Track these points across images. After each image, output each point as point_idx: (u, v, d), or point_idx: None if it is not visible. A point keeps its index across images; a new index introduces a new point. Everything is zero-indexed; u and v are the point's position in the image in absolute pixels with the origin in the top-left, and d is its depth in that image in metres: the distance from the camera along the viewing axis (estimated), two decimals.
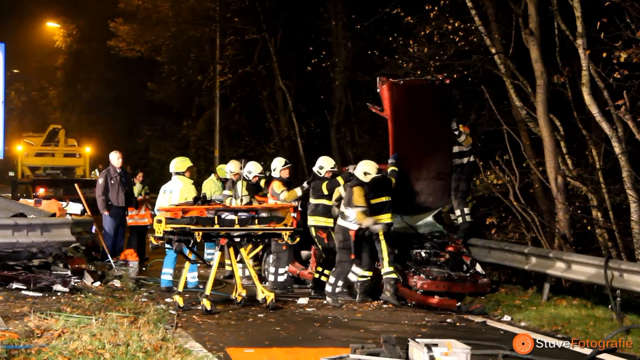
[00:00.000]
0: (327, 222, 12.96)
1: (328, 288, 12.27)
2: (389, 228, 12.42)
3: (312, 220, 13.04)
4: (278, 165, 13.55)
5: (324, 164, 13.26)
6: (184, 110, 38.25)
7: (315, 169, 13.32)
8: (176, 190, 13.02)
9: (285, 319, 10.74)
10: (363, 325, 10.51)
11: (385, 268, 12.24)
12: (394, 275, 12.22)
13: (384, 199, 12.48)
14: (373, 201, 12.42)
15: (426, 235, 13.36)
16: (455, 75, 18.76)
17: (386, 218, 12.44)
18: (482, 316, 11.58)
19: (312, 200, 13.14)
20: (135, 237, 16.52)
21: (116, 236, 15.33)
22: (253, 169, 13.96)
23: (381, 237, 12.30)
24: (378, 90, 13.43)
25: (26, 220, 12.38)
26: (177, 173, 13.25)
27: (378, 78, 13.49)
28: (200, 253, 12.94)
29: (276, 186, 13.27)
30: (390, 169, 12.86)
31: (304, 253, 14.05)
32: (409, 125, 13.34)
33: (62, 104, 50.53)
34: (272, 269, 13.23)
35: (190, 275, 12.91)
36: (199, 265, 13.48)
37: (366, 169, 12.31)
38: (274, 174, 13.54)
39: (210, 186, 16.30)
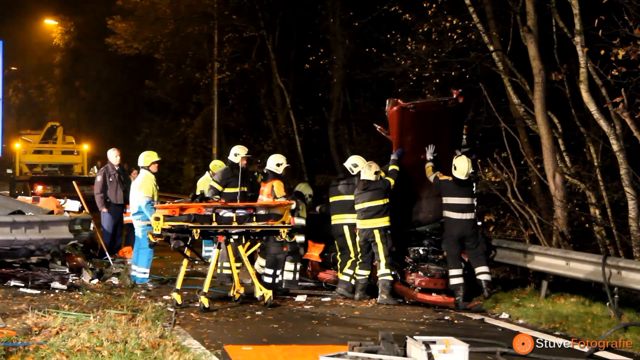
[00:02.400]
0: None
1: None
2: (385, 231, 12.38)
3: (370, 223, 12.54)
4: (283, 162, 13.13)
5: (358, 162, 13.07)
6: (182, 107, 38.26)
7: (347, 165, 13.19)
8: (135, 185, 13.13)
9: (283, 316, 10.75)
10: (361, 322, 10.52)
11: (382, 269, 12.27)
12: (389, 278, 12.26)
13: (380, 201, 12.43)
14: (371, 203, 12.44)
15: (424, 233, 13.36)
16: (453, 73, 18.83)
17: (384, 221, 12.40)
18: (480, 314, 11.60)
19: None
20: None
21: (114, 233, 15.33)
22: (282, 160, 13.24)
23: (378, 240, 12.32)
24: (386, 113, 13.03)
25: (24, 217, 12.37)
26: (143, 167, 13.26)
27: (388, 100, 13.05)
28: (198, 250, 12.95)
29: (278, 188, 12.73)
30: (390, 167, 12.70)
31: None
32: (414, 149, 13.01)
33: (60, 102, 50.51)
34: (269, 271, 12.87)
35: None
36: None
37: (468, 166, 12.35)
38: (277, 171, 13.04)
39: (205, 184, 16.25)
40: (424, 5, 19.17)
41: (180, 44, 32.32)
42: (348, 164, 13.18)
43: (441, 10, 19.00)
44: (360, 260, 12.61)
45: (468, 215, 12.33)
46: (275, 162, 13.10)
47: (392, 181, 12.54)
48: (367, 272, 12.56)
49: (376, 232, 12.36)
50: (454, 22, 18.58)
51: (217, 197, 13.01)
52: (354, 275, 12.68)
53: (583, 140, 15.82)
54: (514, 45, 16.35)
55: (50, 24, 46.06)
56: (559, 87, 15.61)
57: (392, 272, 12.35)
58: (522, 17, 15.50)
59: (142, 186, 12.92)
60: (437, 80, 20.01)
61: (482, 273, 12.25)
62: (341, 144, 28.55)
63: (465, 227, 12.29)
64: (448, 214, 12.42)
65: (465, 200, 12.35)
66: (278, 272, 12.83)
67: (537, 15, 15.03)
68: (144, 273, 13.08)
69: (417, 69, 19.72)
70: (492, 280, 12.43)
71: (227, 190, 13.35)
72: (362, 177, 12.67)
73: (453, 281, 12.13)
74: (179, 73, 34.25)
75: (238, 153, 13.68)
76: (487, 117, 17.19)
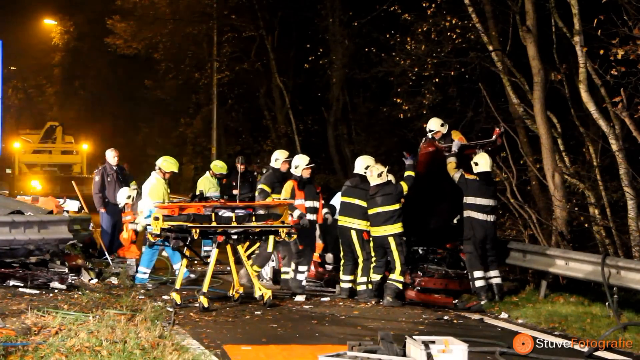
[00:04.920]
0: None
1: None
2: (401, 238, 12.19)
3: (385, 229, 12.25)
4: (301, 163, 12.72)
5: (370, 163, 12.72)
6: (181, 107, 38.28)
7: (360, 170, 12.74)
8: (145, 190, 13.13)
9: (282, 316, 10.74)
10: (360, 322, 10.52)
11: (395, 275, 12.08)
12: (399, 285, 12.11)
13: (391, 207, 12.22)
14: (381, 209, 12.24)
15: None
16: (452, 73, 18.82)
17: (396, 228, 12.21)
18: (479, 313, 11.60)
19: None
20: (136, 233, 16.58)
21: (113, 233, 15.31)
22: (301, 162, 12.81)
23: (393, 248, 12.11)
24: (419, 148, 13.04)
25: (23, 217, 12.36)
26: (159, 169, 13.27)
27: (425, 138, 13.10)
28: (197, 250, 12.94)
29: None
30: (406, 173, 12.46)
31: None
32: (433, 182, 12.92)
33: (59, 101, 50.46)
34: (292, 266, 12.59)
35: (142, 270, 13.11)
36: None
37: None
38: (295, 172, 12.73)
39: (205, 183, 16.29)
40: (423, 5, 19.20)
41: (180, 43, 32.33)
42: (360, 169, 12.76)
43: (440, 10, 19.01)
44: (375, 265, 12.37)
45: (491, 218, 12.25)
46: (293, 165, 12.86)
47: (405, 187, 12.31)
48: (380, 276, 12.33)
49: (391, 239, 12.13)
50: (453, 21, 18.58)
51: (217, 196, 12.91)
52: (369, 279, 12.44)
53: (582, 140, 15.82)
54: (513, 45, 16.34)
55: (50, 24, 46.03)
56: (558, 86, 15.60)
57: (403, 281, 12.18)
58: (521, 16, 15.50)
59: (152, 192, 12.93)
60: (437, 80, 20.01)
61: (494, 277, 12.25)
62: (340, 144, 28.57)
63: (489, 229, 12.21)
64: (472, 214, 12.22)
65: (491, 202, 12.26)
66: (301, 267, 12.50)
67: (536, 15, 15.02)
68: (144, 273, 13.09)
69: (416, 69, 19.72)
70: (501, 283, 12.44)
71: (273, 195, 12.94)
72: (372, 184, 12.43)
73: (477, 283, 12.09)
74: (178, 73, 34.23)
75: (278, 158, 13.28)
76: (487, 117, 17.19)
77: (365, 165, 12.73)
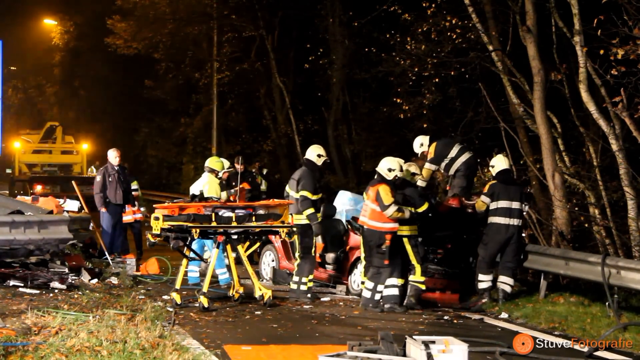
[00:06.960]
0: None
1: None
2: (416, 239, 11.99)
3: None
4: (397, 167, 11.74)
5: (393, 165, 11.82)
6: (182, 107, 38.31)
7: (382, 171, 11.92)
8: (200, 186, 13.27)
9: (282, 316, 10.74)
10: (360, 322, 10.52)
11: (417, 276, 11.86)
12: (421, 286, 11.92)
13: (409, 208, 11.83)
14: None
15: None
16: (452, 73, 18.84)
17: (410, 229, 11.91)
18: (479, 313, 11.60)
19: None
20: (138, 234, 16.62)
21: (114, 233, 15.31)
22: (394, 165, 11.80)
23: (408, 248, 11.89)
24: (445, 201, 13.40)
25: (23, 217, 12.34)
26: (211, 170, 13.44)
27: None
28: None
29: (385, 194, 11.49)
30: (426, 205, 12.07)
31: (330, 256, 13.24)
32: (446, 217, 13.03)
33: (59, 101, 50.52)
34: (369, 284, 11.66)
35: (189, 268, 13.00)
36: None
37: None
38: (388, 176, 11.69)
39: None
40: (423, 5, 19.22)
41: (180, 43, 32.39)
42: (383, 168, 11.83)
43: (440, 10, 19.04)
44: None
45: (515, 221, 12.08)
46: (387, 167, 11.78)
47: (424, 207, 11.92)
48: (402, 281, 11.84)
49: (405, 240, 11.90)
50: (453, 21, 18.60)
51: (216, 197, 12.86)
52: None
53: (582, 140, 15.83)
54: (514, 45, 16.35)
55: (50, 24, 46.08)
56: (558, 86, 15.61)
57: (424, 281, 11.97)
58: (521, 16, 15.50)
59: (213, 190, 13.08)
60: (437, 80, 20.04)
61: (504, 283, 12.14)
62: (340, 144, 28.60)
63: (512, 233, 12.03)
64: (495, 219, 12.10)
65: (514, 204, 12.10)
66: (379, 287, 11.66)
67: (536, 15, 15.03)
68: (224, 273, 12.94)
69: (416, 69, 19.74)
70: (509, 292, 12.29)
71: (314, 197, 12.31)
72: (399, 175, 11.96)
73: (481, 285, 12.08)
74: (178, 73, 34.29)
75: (321, 154, 12.48)
76: (487, 117, 17.21)
77: (388, 168, 11.78)
